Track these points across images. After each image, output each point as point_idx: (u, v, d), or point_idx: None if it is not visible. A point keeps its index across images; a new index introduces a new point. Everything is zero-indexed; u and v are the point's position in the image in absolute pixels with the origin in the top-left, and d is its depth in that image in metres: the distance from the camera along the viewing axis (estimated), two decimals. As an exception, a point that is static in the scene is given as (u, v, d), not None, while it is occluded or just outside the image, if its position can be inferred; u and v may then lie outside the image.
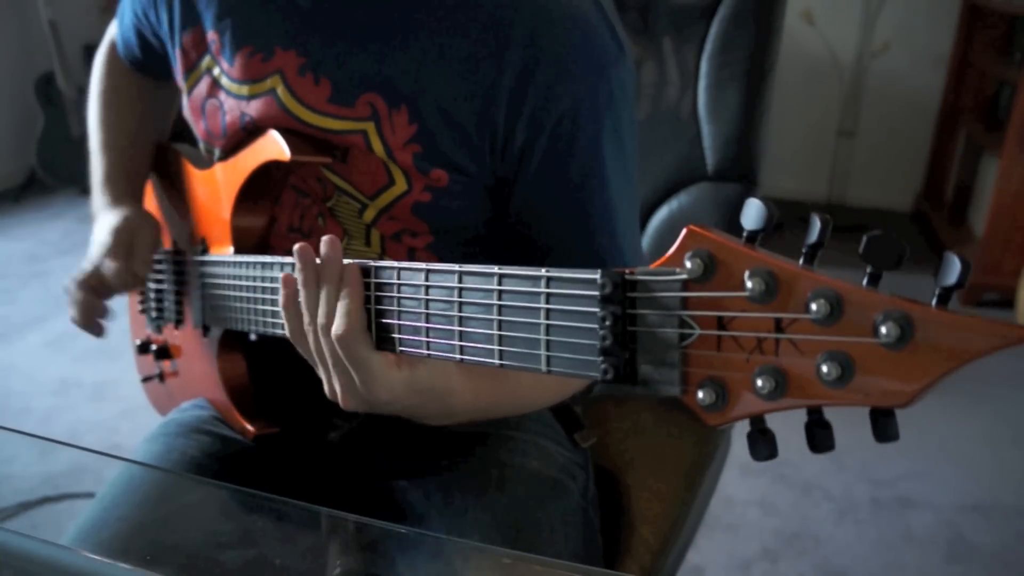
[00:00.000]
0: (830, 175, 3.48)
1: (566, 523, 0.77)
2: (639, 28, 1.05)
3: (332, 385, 0.61)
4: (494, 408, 0.72)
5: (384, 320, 0.57)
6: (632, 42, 1.05)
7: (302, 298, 0.59)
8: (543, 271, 0.46)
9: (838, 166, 3.46)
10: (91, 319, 0.89)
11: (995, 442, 2.02)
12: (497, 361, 0.49)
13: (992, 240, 2.63)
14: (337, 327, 0.57)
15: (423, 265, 0.53)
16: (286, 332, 0.62)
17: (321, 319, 0.58)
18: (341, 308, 0.57)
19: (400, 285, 0.55)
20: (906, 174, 3.42)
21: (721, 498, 1.70)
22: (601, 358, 0.43)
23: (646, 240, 1.05)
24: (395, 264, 0.55)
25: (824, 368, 0.35)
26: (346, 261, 0.59)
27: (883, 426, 0.35)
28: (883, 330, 0.33)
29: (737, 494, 1.80)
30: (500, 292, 0.48)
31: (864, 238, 0.34)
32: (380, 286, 0.57)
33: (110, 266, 0.85)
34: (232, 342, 0.83)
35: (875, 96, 3.31)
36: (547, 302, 0.46)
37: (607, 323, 0.42)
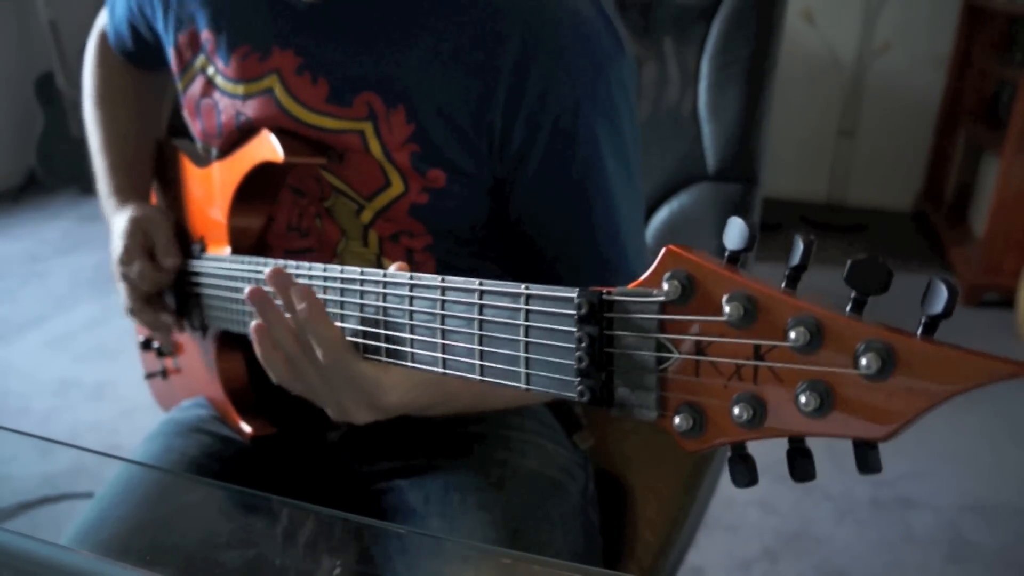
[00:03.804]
0: (830, 175, 3.48)
1: (565, 523, 0.77)
2: (640, 28, 1.05)
3: (342, 408, 0.62)
4: (490, 394, 0.72)
5: (370, 329, 0.57)
6: (633, 42, 1.05)
7: (278, 338, 0.60)
8: (523, 287, 0.45)
9: (838, 166, 3.45)
10: (163, 335, 0.90)
11: (995, 442, 2.02)
12: (478, 377, 0.49)
13: (992, 240, 2.63)
14: (319, 349, 0.58)
15: (407, 276, 0.53)
16: (276, 378, 0.64)
17: (299, 350, 0.59)
18: (310, 331, 0.57)
19: (386, 295, 0.55)
20: (906, 174, 3.42)
21: (721, 498, 1.69)
22: (578, 379, 0.42)
23: (647, 241, 1.05)
24: (380, 273, 0.55)
25: (803, 398, 0.34)
26: (330, 268, 0.59)
27: (865, 457, 0.34)
28: (864, 361, 0.32)
29: (737, 494, 1.80)
30: (481, 307, 0.48)
31: (848, 263, 0.33)
32: (365, 295, 0.57)
33: (135, 270, 0.83)
34: (231, 342, 0.83)
35: (875, 96, 3.31)
36: (527, 319, 0.45)
37: (583, 344, 0.41)
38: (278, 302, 0.60)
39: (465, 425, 0.81)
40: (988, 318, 2.59)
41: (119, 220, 0.86)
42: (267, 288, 0.60)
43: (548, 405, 0.85)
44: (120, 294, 0.88)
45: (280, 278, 0.58)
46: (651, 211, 1.06)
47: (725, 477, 1.05)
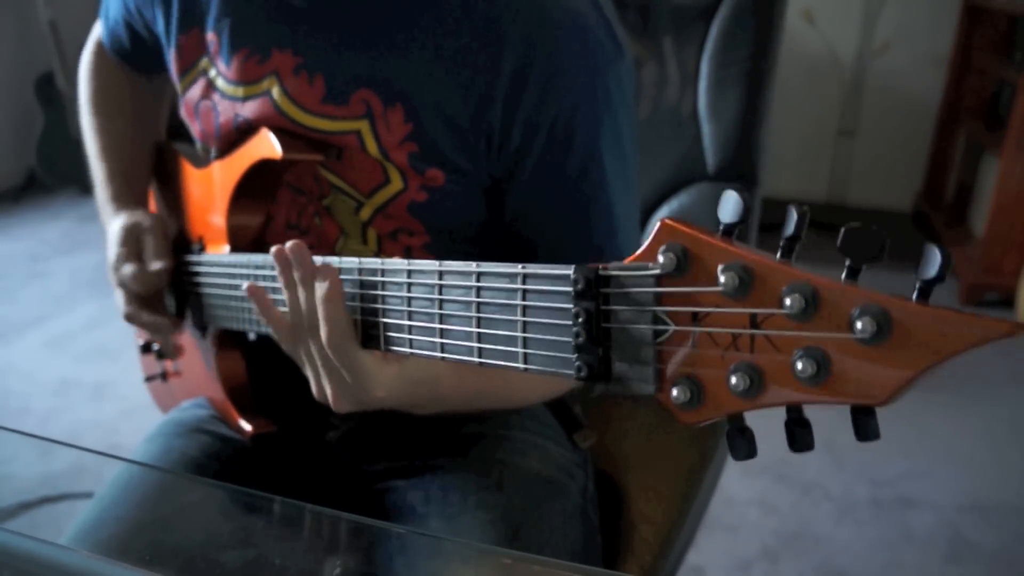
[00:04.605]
0: (830, 175, 3.48)
1: (565, 523, 0.77)
2: (640, 28, 1.05)
3: (322, 388, 0.61)
4: (482, 396, 0.72)
5: (369, 318, 0.57)
6: (633, 42, 1.05)
7: (287, 302, 0.60)
8: (520, 268, 0.45)
9: (838, 166, 3.45)
10: (163, 338, 0.90)
11: (995, 442, 2.02)
12: (477, 359, 0.49)
13: (992, 240, 2.63)
14: (324, 331, 0.57)
15: (404, 263, 0.53)
16: (273, 335, 0.63)
17: (306, 322, 0.59)
18: (323, 311, 0.57)
19: (384, 283, 0.55)
20: (906, 174, 3.41)
21: (721, 498, 1.70)
22: (575, 355, 0.42)
23: (646, 240, 1.05)
24: (378, 263, 0.55)
25: (799, 365, 0.34)
26: (319, 259, 0.59)
27: (863, 425, 0.35)
28: (859, 325, 0.32)
29: (737, 494, 1.80)
30: (479, 289, 0.48)
31: (841, 230, 0.33)
32: (364, 284, 0.57)
33: (127, 273, 0.83)
34: (230, 341, 0.83)
35: (875, 96, 3.31)
36: (524, 299, 0.45)
37: (580, 320, 0.42)
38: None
39: (465, 425, 0.81)
40: (988, 318, 2.59)
41: (113, 227, 0.87)
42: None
43: (548, 405, 0.85)
44: (117, 299, 0.88)
45: (303, 252, 0.58)
46: (651, 211, 1.06)
47: (725, 477, 1.05)
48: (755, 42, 1.00)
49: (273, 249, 0.59)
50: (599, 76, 0.67)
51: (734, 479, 1.82)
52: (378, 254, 0.76)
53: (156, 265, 0.83)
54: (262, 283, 0.69)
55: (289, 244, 0.58)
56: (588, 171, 0.69)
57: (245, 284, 0.61)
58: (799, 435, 0.37)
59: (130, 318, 0.88)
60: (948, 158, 3.28)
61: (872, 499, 1.81)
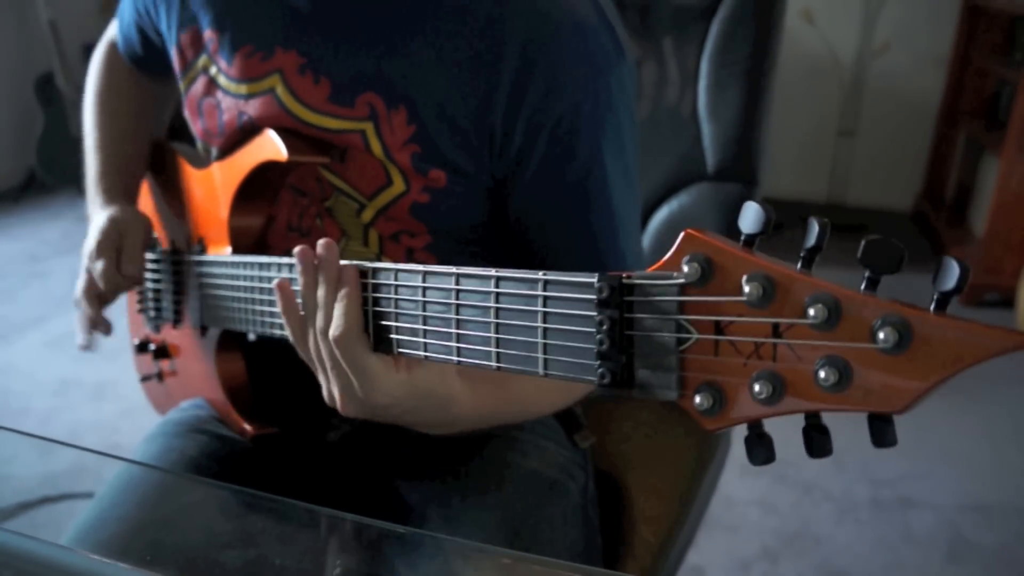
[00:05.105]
0: (830, 175, 3.48)
1: (566, 523, 0.77)
2: (639, 28, 1.05)
3: (331, 390, 0.61)
4: (496, 416, 0.71)
5: (382, 322, 0.57)
6: (632, 42, 1.05)
7: (302, 301, 0.59)
8: (540, 274, 0.45)
9: (838, 166, 3.45)
10: (89, 331, 0.91)
11: (995, 442, 2.02)
12: (494, 364, 0.49)
13: (992, 240, 2.63)
14: (334, 328, 0.57)
15: (421, 267, 0.53)
16: (288, 335, 0.62)
17: (320, 322, 0.58)
18: (338, 310, 0.56)
19: (398, 287, 0.55)
20: (906, 174, 3.41)
21: (721, 498, 1.70)
22: (598, 362, 0.43)
23: (646, 240, 1.05)
24: (393, 266, 0.55)
25: (822, 373, 0.35)
26: (344, 262, 0.58)
27: (881, 432, 0.35)
28: (881, 335, 0.33)
29: (737, 494, 1.80)
30: (497, 295, 0.48)
31: (862, 242, 0.34)
32: (377, 287, 0.57)
33: (98, 268, 0.83)
34: (230, 342, 0.83)
35: (875, 96, 3.31)
36: (544, 305, 0.45)
37: (604, 327, 0.42)
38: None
39: (465, 425, 0.81)
40: (988, 318, 2.56)
41: (100, 216, 0.86)
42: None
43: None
44: (79, 281, 0.89)
45: (332, 250, 0.58)
46: (651, 211, 1.06)
47: (725, 477, 1.05)
48: (755, 42, 1.00)
49: (297, 249, 0.58)
50: (601, 77, 0.67)
51: (734, 479, 1.82)
52: (380, 256, 0.76)
53: (129, 269, 0.83)
54: (266, 284, 0.69)
55: (321, 242, 0.57)
56: (590, 171, 0.69)
57: (275, 281, 0.61)
58: (817, 441, 0.38)
59: (77, 303, 0.90)
60: (948, 158, 3.28)
61: (872, 499, 1.81)
